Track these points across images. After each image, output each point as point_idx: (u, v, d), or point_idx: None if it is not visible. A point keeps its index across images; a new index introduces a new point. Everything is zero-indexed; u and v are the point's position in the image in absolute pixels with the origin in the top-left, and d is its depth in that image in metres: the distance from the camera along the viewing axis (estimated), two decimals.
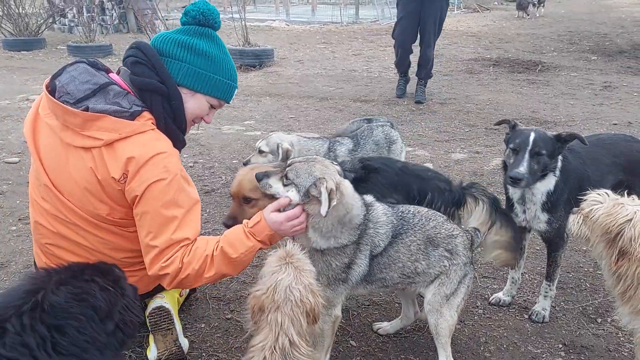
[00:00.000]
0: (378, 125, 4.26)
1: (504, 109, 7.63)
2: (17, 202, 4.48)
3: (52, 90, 2.28)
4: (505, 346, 2.85)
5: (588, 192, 2.93)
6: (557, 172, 2.83)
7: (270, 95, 8.53)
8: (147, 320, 2.62)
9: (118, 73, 2.42)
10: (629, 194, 3.14)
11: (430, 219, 2.50)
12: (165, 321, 2.61)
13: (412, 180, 2.87)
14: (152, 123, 2.29)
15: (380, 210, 2.46)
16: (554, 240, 3.00)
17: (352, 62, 11.46)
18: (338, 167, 2.39)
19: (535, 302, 3.14)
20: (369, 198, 2.49)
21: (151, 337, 2.65)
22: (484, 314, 3.15)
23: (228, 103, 2.62)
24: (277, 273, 1.93)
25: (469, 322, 3.06)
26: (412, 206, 2.59)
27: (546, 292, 3.08)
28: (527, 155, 2.70)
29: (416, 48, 8.13)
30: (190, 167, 5.47)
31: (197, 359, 2.69)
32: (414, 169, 2.97)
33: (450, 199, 2.84)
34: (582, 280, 3.50)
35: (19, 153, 5.65)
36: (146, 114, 2.27)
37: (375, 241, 2.40)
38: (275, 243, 2.35)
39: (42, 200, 2.36)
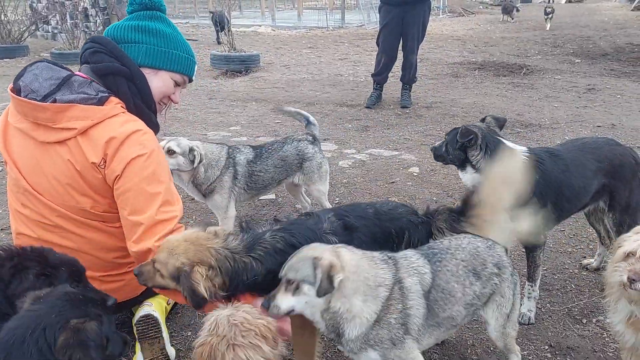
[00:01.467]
0: (293, 139, 4.06)
1: (489, 112, 7.68)
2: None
3: (17, 91, 2.30)
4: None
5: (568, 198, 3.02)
6: (475, 167, 3.09)
7: (256, 100, 8.52)
8: (135, 329, 2.59)
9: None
10: (611, 198, 3.21)
11: (459, 238, 2.32)
12: (152, 329, 2.59)
13: (388, 224, 2.57)
14: (122, 107, 2.33)
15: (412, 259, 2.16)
16: (529, 240, 3.02)
17: (338, 67, 11.49)
18: (338, 250, 2.01)
19: (521, 304, 3.15)
20: (405, 261, 2.14)
21: (137, 346, 2.62)
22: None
23: (191, 80, 2.68)
24: (212, 315, 1.78)
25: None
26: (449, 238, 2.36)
27: (529, 294, 3.10)
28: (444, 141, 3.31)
29: (399, 53, 8.17)
30: None
31: None
32: (385, 212, 2.63)
33: (424, 232, 2.59)
34: (567, 282, 3.52)
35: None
36: (114, 99, 2.31)
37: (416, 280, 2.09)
38: None
39: (23, 207, 2.34)
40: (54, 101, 2.21)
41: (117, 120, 2.25)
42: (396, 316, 2.00)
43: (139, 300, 2.67)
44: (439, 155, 3.33)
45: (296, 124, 7.16)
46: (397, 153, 6.09)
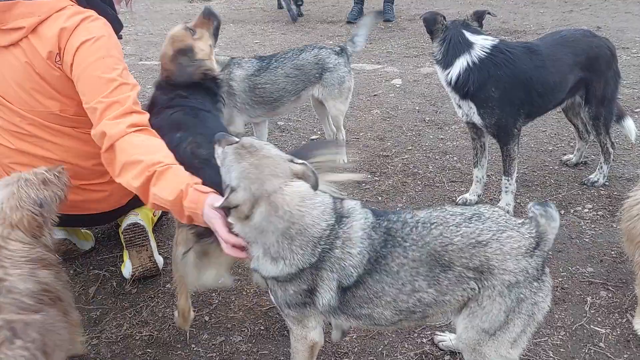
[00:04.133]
0: (314, 47, 3.73)
1: None
2: None
3: None
4: None
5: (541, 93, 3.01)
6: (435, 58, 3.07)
7: (234, 22, 8.24)
8: (122, 237, 2.64)
9: None
10: (587, 92, 3.20)
11: (435, 224, 1.68)
12: (139, 237, 2.63)
13: None
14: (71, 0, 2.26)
15: (359, 222, 1.72)
16: (498, 135, 3.06)
17: None
18: (295, 166, 1.69)
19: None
20: (349, 204, 1.78)
21: (125, 254, 2.67)
22: None
23: None
24: None
25: None
26: (409, 210, 1.80)
27: (506, 187, 3.16)
28: None
29: None
30: None
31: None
32: None
33: None
34: (546, 178, 3.58)
35: None
36: None
37: (343, 266, 1.68)
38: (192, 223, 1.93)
39: None
40: None
41: (65, 13, 2.18)
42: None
43: (125, 211, 2.69)
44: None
45: (275, 42, 6.98)
46: (379, 66, 5.99)
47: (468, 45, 2.91)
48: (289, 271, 1.68)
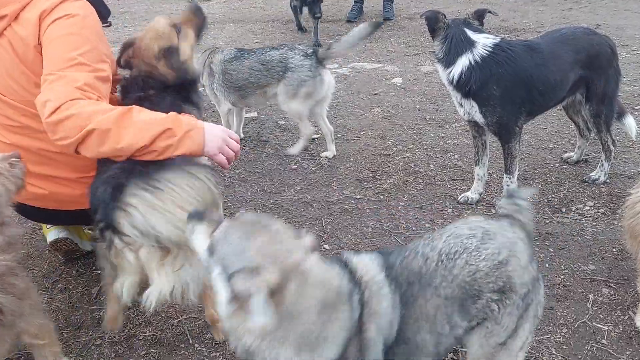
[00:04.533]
0: (285, 46, 3.90)
1: None
2: None
3: None
4: None
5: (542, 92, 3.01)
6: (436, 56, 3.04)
7: (233, 21, 8.24)
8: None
9: None
10: (587, 90, 3.20)
11: (457, 252, 1.56)
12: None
13: None
14: None
15: (380, 286, 1.52)
16: (500, 133, 3.07)
17: None
18: (306, 238, 1.45)
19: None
20: (364, 269, 1.54)
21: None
22: (452, 212, 3.23)
23: None
24: None
25: (438, 221, 3.14)
26: (421, 240, 1.65)
27: (508, 185, 3.16)
28: None
29: None
30: None
31: None
32: None
33: None
34: (547, 175, 3.59)
35: None
36: None
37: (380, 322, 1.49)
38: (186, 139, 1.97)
39: None
40: None
41: None
42: None
43: None
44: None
45: (275, 42, 6.97)
46: (379, 65, 5.99)
47: (470, 44, 2.91)
48: (335, 353, 1.39)
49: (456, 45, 2.93)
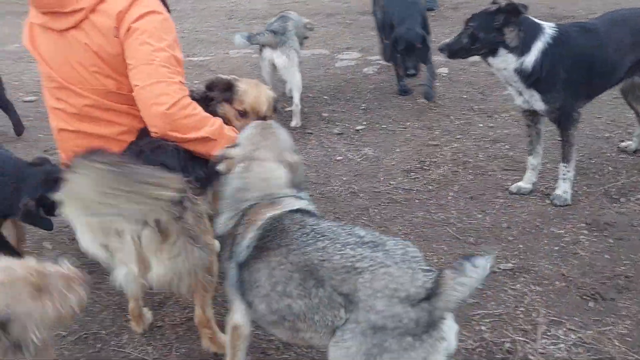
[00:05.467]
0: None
1: None
2: (39, 135, 4.54)
3: None
4: (527, 229, 2.88)
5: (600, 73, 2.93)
6: (509, 47, 2.86)
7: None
8: None
9: None
10: None
11: (325, 237, 1.62)
12: None
13: None
14: None
15: (273, 212, 1.80)
16: (560, 119, 3.00)
17: None
18: (289, 156, 1.97)
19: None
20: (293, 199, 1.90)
21: None
22: (505, 203, 3.17)
23: None
24: None
25: (490, 211, 3.09)
26: (331, 222, 1.77)
27: (564, 175, 3.07)
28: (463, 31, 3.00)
29: None
30: None
31: None
32: None
33: None
34: (604, 165, 3.47)
35: (35, 92, 5.66)
36: None
37: (239, 243, 1.80)
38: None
39: (58, 101, 2.41)
40: None
41: None
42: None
43: None
44: (458, 49, 3.02)
45: (317, 35, 6.97)
46: None
47: (540, 29, 2.88)
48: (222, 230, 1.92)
49: (530, 31, 2.87)
